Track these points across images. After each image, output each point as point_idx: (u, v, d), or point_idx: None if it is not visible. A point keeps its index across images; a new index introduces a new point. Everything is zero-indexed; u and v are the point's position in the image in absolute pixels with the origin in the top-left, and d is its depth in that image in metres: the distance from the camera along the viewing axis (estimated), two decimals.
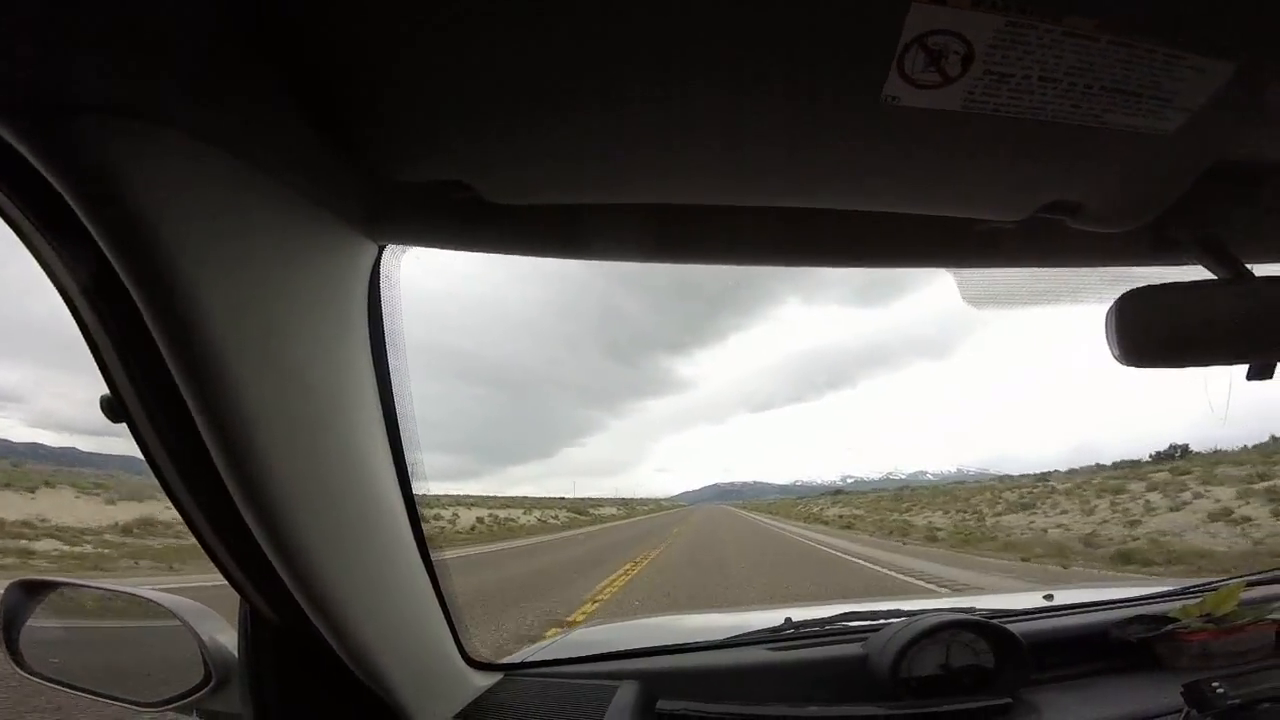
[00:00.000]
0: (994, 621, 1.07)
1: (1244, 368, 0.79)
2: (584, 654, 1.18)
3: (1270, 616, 1.01)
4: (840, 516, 39.56)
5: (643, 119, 0.55)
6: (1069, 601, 1.32)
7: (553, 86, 0.51)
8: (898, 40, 0.46)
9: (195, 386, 0.48)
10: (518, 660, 1.16)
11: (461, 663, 0.97)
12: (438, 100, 0.52)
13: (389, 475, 0.76)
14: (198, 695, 0.83)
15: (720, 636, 1.20)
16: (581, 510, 65.86)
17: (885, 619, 1.16)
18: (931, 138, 0.57)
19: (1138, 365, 0.76)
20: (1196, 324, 0.76)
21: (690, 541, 19.73)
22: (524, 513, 48.52)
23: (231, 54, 0.47)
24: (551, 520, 45.50)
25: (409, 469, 0.80)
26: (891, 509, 36.66)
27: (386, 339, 0.75)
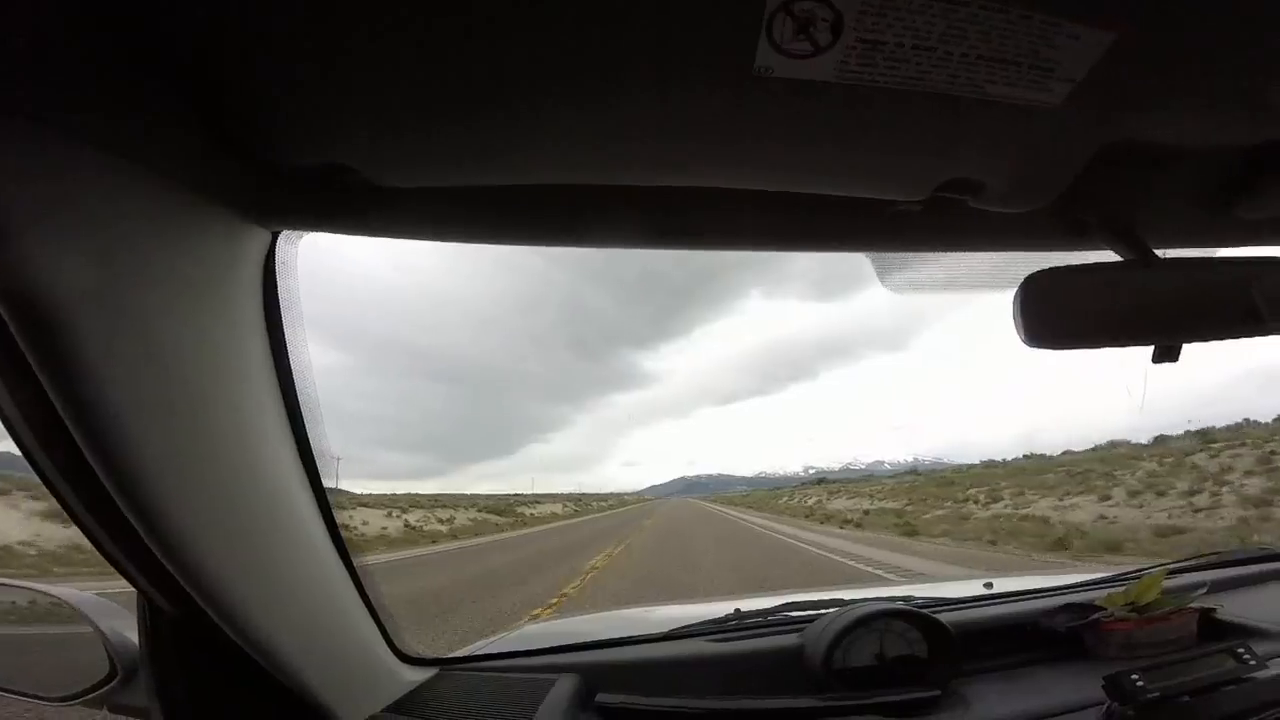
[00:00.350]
0: (924, 611, 1.07)
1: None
2: (526, 648, 1.17)
3: (1191, 605, 1.03)
4: (865, 513, 26.64)
5: (524, 97, 0.53)
6: (1007, 589, 1.35)
7: (432, 66, 0.49)
8: (764, 6, 0.45)
9: (56, 378, 0.47)
10: (457, 655, 1.14)
11: (391, 658, 0.96)
12: (314, 82, 0.51)
13: (291, 469, 0.75)
14: (104, 689, 0.83)
15: (665, 629, 1.20)
16: (503, 509, 46.99)
17: (826, 609, 1.16)
18: (820, 113, 0.56)
19: (1042, 347, 0.76)
20: (1101, 306, 0.77)
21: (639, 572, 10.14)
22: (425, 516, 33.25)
23: (97, 43, 0.45)
24: (437, 527, 30.30)
25: (317, 464, 0.79)
26: (937, 494, 27.65)
27: (286, 327, 0.73)
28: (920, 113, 0.56)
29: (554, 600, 7.37)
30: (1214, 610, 1.06)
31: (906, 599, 1.26)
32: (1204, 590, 1.08)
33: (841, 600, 1.21)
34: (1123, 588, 1.10)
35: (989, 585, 1.44)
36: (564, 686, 0.96)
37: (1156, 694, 0.81)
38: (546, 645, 1.16)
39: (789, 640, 1.09)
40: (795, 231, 0.84)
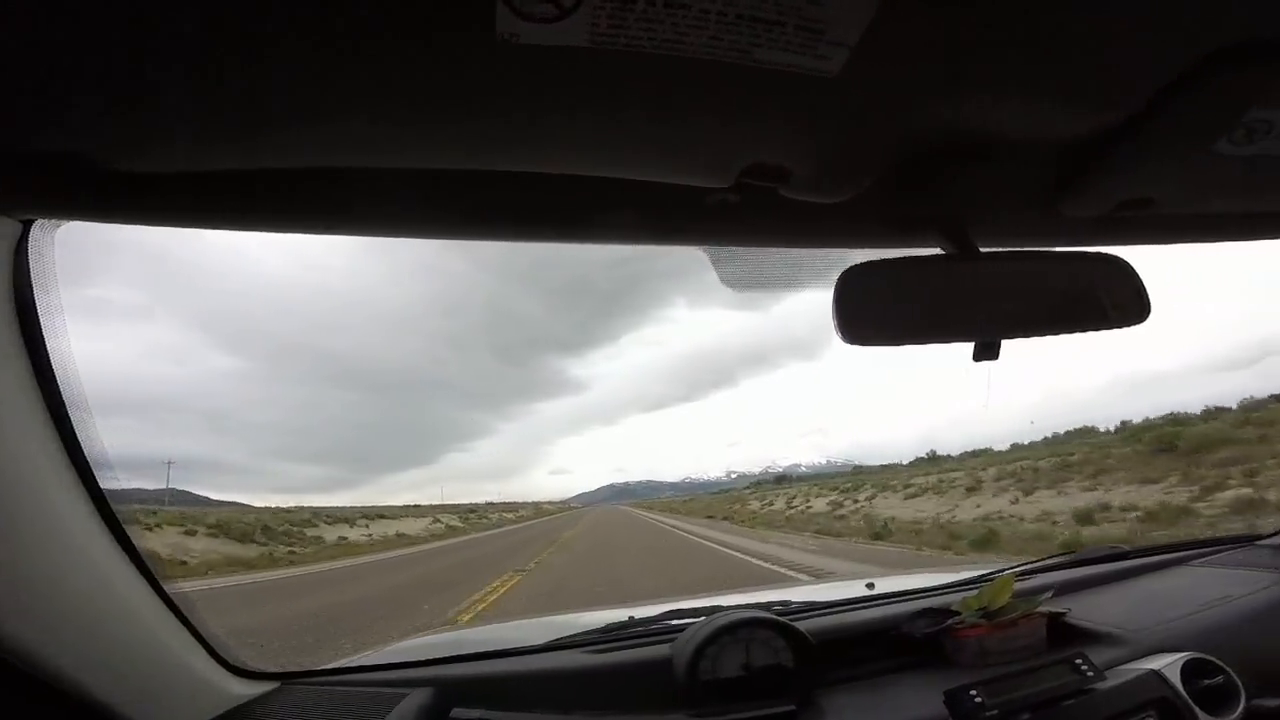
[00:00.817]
0: (785, 619, 1.04)
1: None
2: (390, 661, 1.12)
3: (1039, 609, 1.02)
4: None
5: (253, 72, 0.49)
6: (889, 589, 1.35)
7: (151, 40, 0.45)
8: None
9: None
10: (306, 669, 1.09)
11: (217, 670, 0.92)
12: (39, 63, 0.46)
13: (53, 473, 0.71)
14: None
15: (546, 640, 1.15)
16: (287, 532, 26.63)
17: (702, 617, 1.11)
18: (594, 84, 0.51)
19: (859, 343, 0.74)
20: (918, 300, 0.76)
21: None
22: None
23: None
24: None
25: (94, 470, 0.75)
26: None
27: (43, 319, 0.70)
28: (698, 85, 0.52)
29: None
30: (1063, 614, 1.08)
31: (783, 604, 1.25)
32: (1050, 594, 1.08)
33: (722, 606, 1.18)
34: (976, 591, 1.08)
35: (871, 585, 1.44)
36: (414, 701, 0.92)
37: (995, 712, 0.80)
38: (411, 659, 1.11)
39: (661, 651, 1.05)
40: (618, 221, 0.79)
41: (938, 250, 0.80)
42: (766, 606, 1.22)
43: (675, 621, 1.17)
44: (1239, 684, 0.89)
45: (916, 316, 0.76)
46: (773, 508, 35.32)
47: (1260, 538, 1.39)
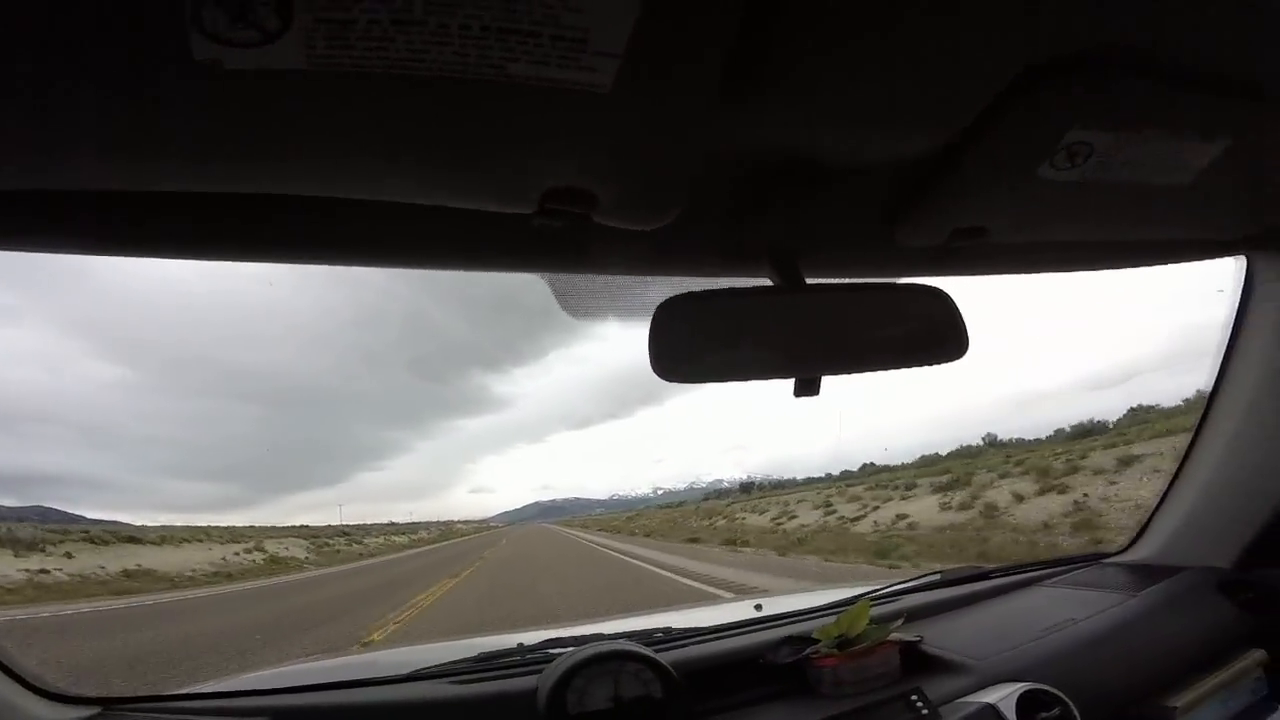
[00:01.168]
0: (650, 651, 1.01)
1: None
2: (233, 689, 1.06)
3: (891, 637, 1.02)
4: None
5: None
6: (776, 611, 1.32)
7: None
8: None
9: None
10: (134, 695, 1.00)
11: (22, 695, 0.86)
12: None
13: None
14: None
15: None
16: None
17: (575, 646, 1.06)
18: (316, 116, 0.47)
19: (674, 379, 0.71)
20: (739, 335, 0.73)
21: None
22: None
23: None
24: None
25: None
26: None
27: None
28: (461, 106, 0.47)
29: None
30: (916, 642, 1.07)
31: (665, 630, 1.22)
32: (900, 621, 1.09)
33: (604, 634, 1.15)
34: (834, 617, 1.07)
35: (759, 607, 1.40)
36: None
37: None
38: (255, 688, 1.05)
39: (528, 682, 1.00)
40: (426, 247, 0.76)
41: (766, 281, 0.78)
42: (647, 634, 1.18)
43: (553, 650, 1.11)
44: (1075, 714, 0.90)
45: (736, 351, 0.74)
46: (748, 523, 25.49)
47: (1107, 556, 1.47)
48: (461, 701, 0.99)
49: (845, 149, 0.66)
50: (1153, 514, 1.41)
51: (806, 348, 0.75)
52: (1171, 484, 1.36)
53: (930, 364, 0.81)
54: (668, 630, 1.21)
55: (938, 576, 1.41)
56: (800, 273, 0.77)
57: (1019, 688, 0.91)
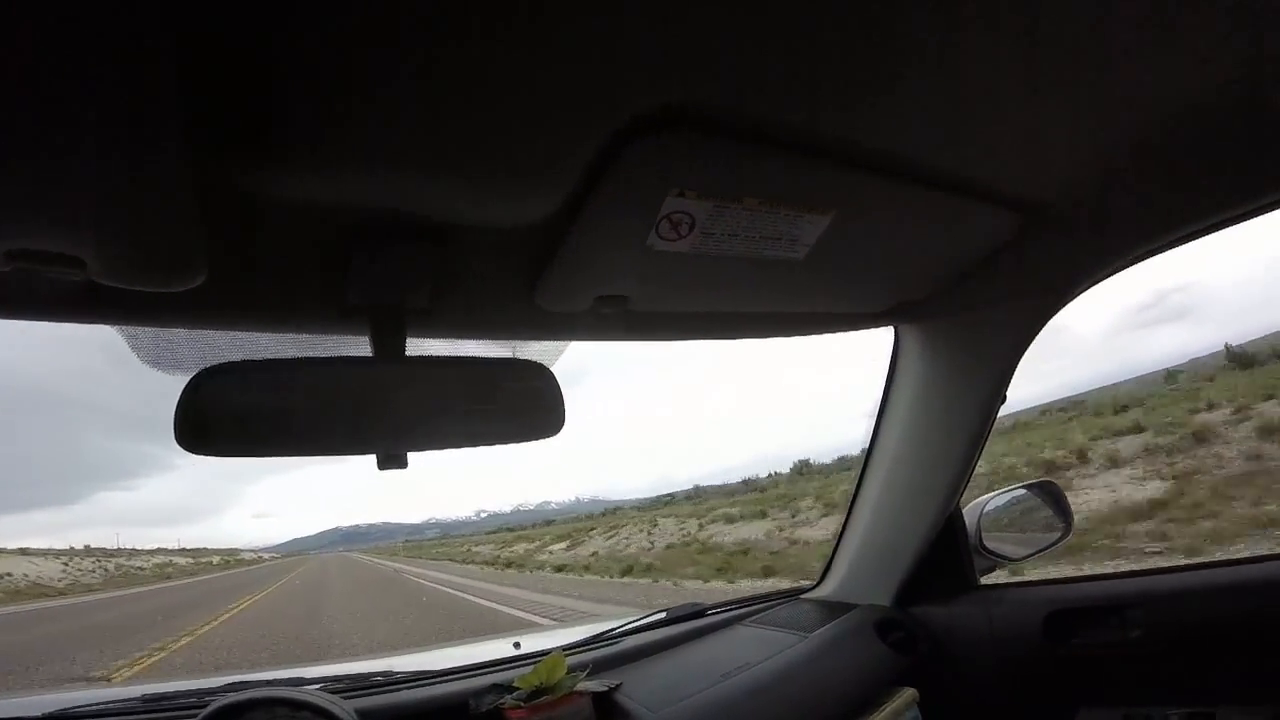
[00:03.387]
0: (312, 698, 0.91)
1: None
2: None
3: (579, 687, 1.03)
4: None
5: None
6: (531, 649, 1.27)
7: None
8: None
9: None
10: None
11: None
12: None
13: None
14: None
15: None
16: None
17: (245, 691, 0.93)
18: None
19: (205, 453, 0.65)
20: (302, 404, 0.68)
21: None
22: None
23: None
24: None
25: None
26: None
27: None
28: None
29: None
30: (607, 691, 1.07)
31: (385, 674, 1.13)
32: (586, 672, 1.09)
33: (303, 678, 1.05)
34: (535, 667, 1.06)
35: (517, 645, 1.34)
36: None
37: None
38: None
39: None
40: None
41: (365, 341, 0.74)
42: (363, 678, 1.09)
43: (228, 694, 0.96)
44: None
45: (296, 425, 0.68)
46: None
47: (805, 591, 1.59)
48: None
49: (450, 209, 0.63)
50: (834, 551, 1.55)
51: (383, 424, 0.71)
52: (845, 524, 1.51)
53: (523, 439, 0.80)
54: (389, 674, 1.13)
55: (663, 615, 1.44)
56: (403, 336, 0.74)
57: None
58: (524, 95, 0.51)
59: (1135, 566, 2.74)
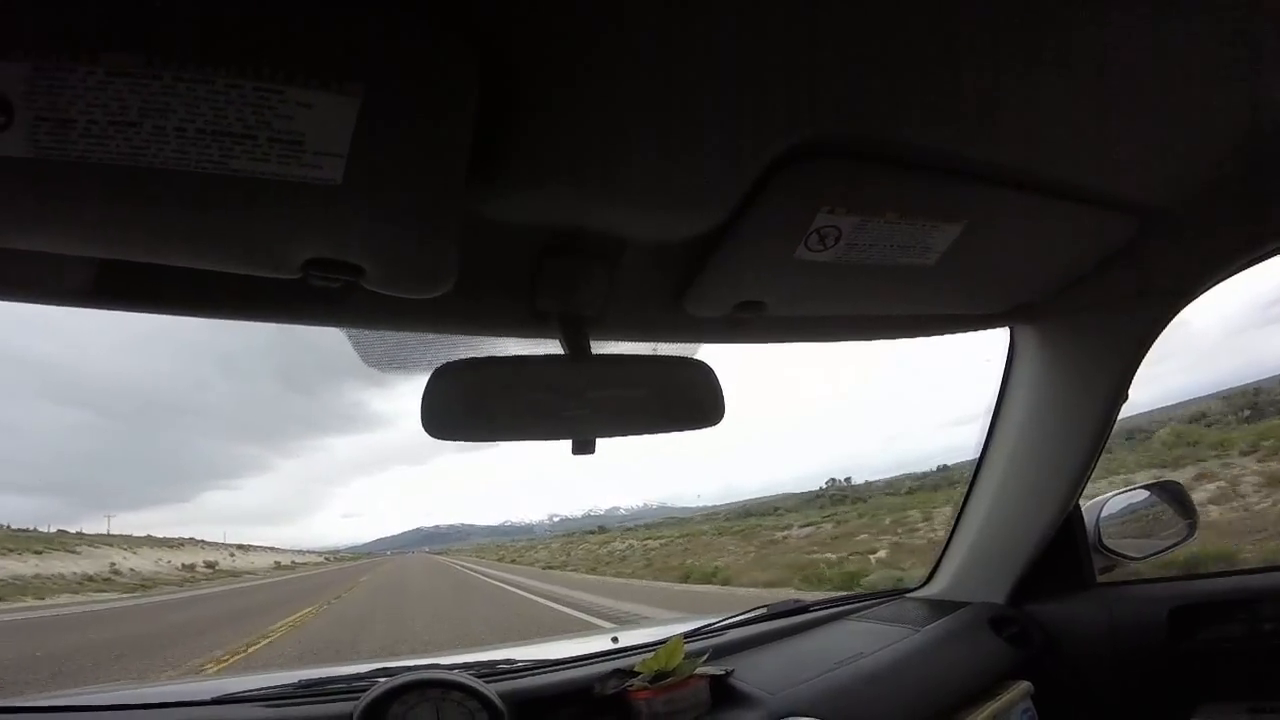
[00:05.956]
0: (466, 681, 1.00)
1: None
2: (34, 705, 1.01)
3: (697, 671, 1.08)
4: None
5: None
6: (629, 643, 1.34)
7: None
8: None
9: None
10: None
11: None
12: None
13: None
14: None
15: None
16: None
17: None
18: (60, 191, 0.50)
19: (443, 437, 0.77)
20: (511, 399, 0.79)
21: None
22: None
23: None
24: None
25: None
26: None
27: None
28: (189, 190, 0.51)
29: None
30: (724, 675, 1.12)
31: (508, 662, 1.21)
32: (707, 656, 1.14)
33: (438, 665, 1.11)
34: (655, 653, 1.13)
35: (615, 640, 1.42)
36: None
37: None
38: (50, 705, 1.01)
39: (341, 708, 0.97)
40: (224, 301, 0.77)
41: (556, 342, 0.84)
42: (489, 665, 1.18)
43: (380, 679, 1.07)
44: None
45: (510, 414, 0.79)
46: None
47: (910, 591, 1.60)
48: None
49: (625, 227, 0.72)
50: (943, 552, 1.55)
51: (581, 413, 0.82)
52: (955, 524, 1.51)
53: (692, 428, 0.89)
54: (510, 661, 1.22)
55: (764, 610, 1.48)
56: (587, 338, 0.83)
57: None
58: (698, 131, 0.59)
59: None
